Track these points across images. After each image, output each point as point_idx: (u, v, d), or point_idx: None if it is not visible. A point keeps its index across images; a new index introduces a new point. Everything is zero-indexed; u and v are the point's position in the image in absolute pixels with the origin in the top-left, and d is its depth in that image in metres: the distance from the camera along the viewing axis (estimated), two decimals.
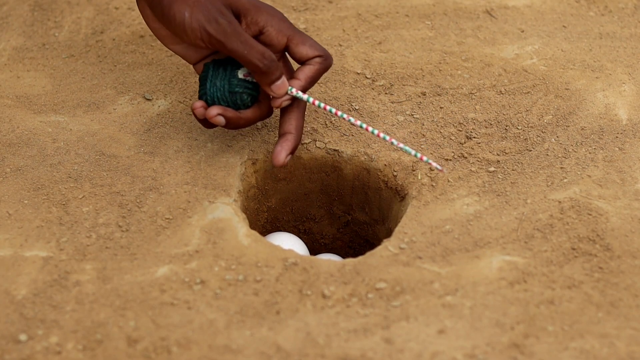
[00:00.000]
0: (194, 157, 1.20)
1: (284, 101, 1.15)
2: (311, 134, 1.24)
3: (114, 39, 1.38)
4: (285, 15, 1.41)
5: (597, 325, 1.01)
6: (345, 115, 1.15)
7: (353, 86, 1.29)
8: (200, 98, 1.16)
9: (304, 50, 1.16)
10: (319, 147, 1.23)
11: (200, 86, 1.16)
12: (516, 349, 0.99)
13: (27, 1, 1.43)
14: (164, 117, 1.26)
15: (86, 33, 1.39)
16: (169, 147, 1.22)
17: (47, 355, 0.99)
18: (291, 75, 1.17)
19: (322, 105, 1.16)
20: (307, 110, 1.26)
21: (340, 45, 1.35)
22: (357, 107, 1.26)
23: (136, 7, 1.42)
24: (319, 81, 1.29)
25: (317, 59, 1.16)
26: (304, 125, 1.22)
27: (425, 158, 1.13)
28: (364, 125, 1.15)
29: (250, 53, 1.12)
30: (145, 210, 1.14)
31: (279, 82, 1.14)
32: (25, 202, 1.15)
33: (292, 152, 1.17)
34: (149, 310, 1.03)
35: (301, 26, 1.38)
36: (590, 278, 1.06)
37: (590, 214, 1.12)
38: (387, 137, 1.14)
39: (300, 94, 1.15)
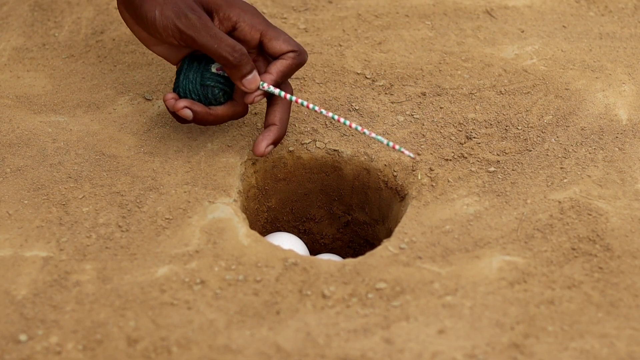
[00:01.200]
0: (194, 157, 1.20)
1: (256, 97, 1.15)
2: (311, 134, 1.24)
3: (114, 39, 1.38)
4: (285, 15, 1.41)
5: (597, 325, 1.01)
6: (317, 108, 1.16)
7: (353, 86, 1.29)
8: (174, 91, 1.17)
9: (278, 45, 1.16)
10: (319, 147, 1.23)
11: (175, 80, 1.17)
12: (516, 349, 0.99)
13: (27, 1, 1.43)
14: (164, 117, 1.25)
15: (86, 33, 1.39)
16: (169, 147, 1.21)
17: (47, 356, 0.99)
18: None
19: (294, 98, 1.16)
20: (307, 110, 1.26)
21: (340, 45, 1.35)
22: (357, 107, 1.26)
23: None
24: (318, 82, 1.29)
25: (291, 54, 1.16)
26: (304, 124, 1.22)
27: (397, 147, 1.13)
28: (336, 117, 1.15)
29: (220, 46, 1.12)
30: (145, 211, 1.14)
31: (249, 77, 1.14)
32: (25, 202, 1.15)
33: (275, 144, 1.17)
34: (149, 310, 1.03)
35: (301, 26, 1.38)
36: (590, 278, 1.06)
37: (590, 214, 1.12)
38: (359, 128, 1.14)
39: (272, 88, 1.15)
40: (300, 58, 1.16)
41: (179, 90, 1.17)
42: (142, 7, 1.13)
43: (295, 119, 1.25)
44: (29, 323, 1.02)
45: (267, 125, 1.18)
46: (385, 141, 1.14)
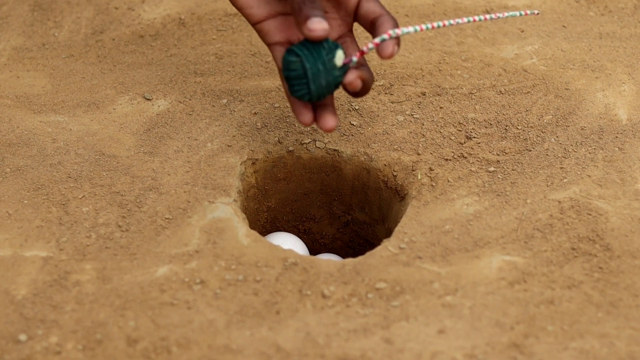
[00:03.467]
0: (194, 157, 1.20)
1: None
2: (311, 134, 1.24)
3: (113, 39, 1.38)
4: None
5: (597, 325, 1.01)
6: (428, 26, 1.06)
7: None
8: (299, 97, 1.08)
9: (372, 8, 1.09)
10: (318, 147, 1.23)
11: (294, 85, 1.07)
12: (516, 349, 0.99)
13: (26, 1, 1.43)
14: (163, 117, 1.26)
15: (86, 33, 1.39)
16: (169, 147, 1.22)
17: (46, 355, 0.99)
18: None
19: (418, 28, 1.06)
20: None
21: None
22: (357, 107, 1.26)
23: (136, 7, 1.42)
24: None
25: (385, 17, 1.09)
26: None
27: (529, 11, 1.09)
28: (441, 24, 1.07)
29: None
30: (145, 210, 1.14)
31: (315, 19, 1.05)
32: (25, 202, 1.15)
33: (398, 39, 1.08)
34: (149, 310, 1.03)
35: None
36: (590, 278, 1.06)
37: (590, 214, 1.12)
38: (482, 17, 1.08)
39: (401, 31, 1.05)
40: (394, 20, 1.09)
41: (310, 97, 1.07)
42: None
43: (295, 119, 1.25)
44: (28, 323, 1.02)
45: (376, 17, 1.08)
46: (518, 13, 1.08)
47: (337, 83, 1.08)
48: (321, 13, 1.05)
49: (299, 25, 1.06)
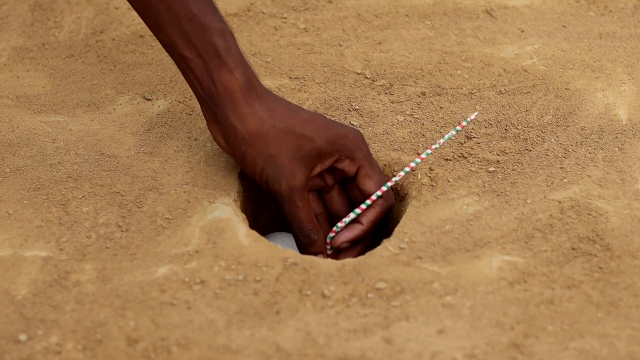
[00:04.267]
0: (194, 157, 1.20)
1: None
2: None
3: (113, 39, 1.38)
4: (285, 15, 1.41)
5: (597, 325, 1.01)
6: (417, 161, 1.16)
7: (353, 86, 1.29)
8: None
9: (369, 186, 1.15)
10: None
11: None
12: (516, 349, 0.99)
13: (27, 1, 1.43)
14: (163, 117, 1.25)
15: (86, 33, 1.39)
16: (169, 147, 1.21)
17: (46, 355, 0.99)
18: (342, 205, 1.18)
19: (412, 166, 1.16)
20: (306, 110, 1.26)
21: (340, 45, 1.35)
22: (357, 107, 1.26)
23: None
24: (318, 82, 1.29)
25: (379, 201, 1.15)
26: None
27: (464, 123, 1.14)
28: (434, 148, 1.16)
29: (294, 222, 1.14)
30: (145, 210, 1.14)
31: (315, 258, 1.14)
32: (25, 202, 1.15)
33: (351, 241, 1.17)
34: (149, 310, 1.03)
35: (301, 26, 1.38)
36: (590, 278, 1.06)
37: (590, 214, 1.11)
38: (438, 144, 1.16)
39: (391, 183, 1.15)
40: (387, 204, 1.16)
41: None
42: (245, 157, 1.12)
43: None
44: (28, 323, 1.02)
45: (355, 220, 1.16)
46: (456, 131, 1.14)
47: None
48: (320, 250, 1.16)
49: (301, 251, 1.16)
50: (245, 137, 1.11)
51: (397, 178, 1.15)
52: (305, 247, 1.15)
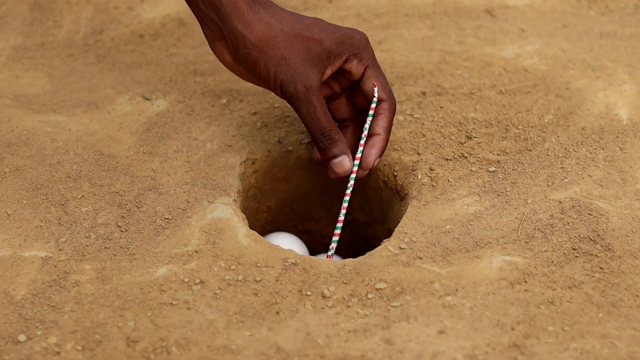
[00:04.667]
0: (194, 157, 1.20)
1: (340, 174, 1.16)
2: None
3: (113, 39, 1.38)
4: None
5: (598, 325, 1.01)
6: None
7: None
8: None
9: (371, 87, 1.15)
10: None
11: None
12: (516, 349, 0.99)
13: (26, 1, 1.43)
14: (163, 117, 1.25)
15: (85, 33, 1.39)
16: (169, 147, 1.21)
17: (46, 356, 0.99)
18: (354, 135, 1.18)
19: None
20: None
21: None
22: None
23: (136, 7, 1.42)
24: None
25: (385, 105, 1.16)
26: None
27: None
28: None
29: (312, 124, 1.13)
30: (145, 210, 1.14)
31: (336, 160, 1.14)
32: (24, 202, 1.15)
33: (381, 155, 1.17)
34: (148, 311, 1.03)
35: None
36: (591, 278, 1.05)
37: (590, 214, 1.11)
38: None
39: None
40: (392, 106, 1.16)
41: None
42: (256, 64, 1.12)
43: (295, 119, 1.25)
44: (27, 323, 1.02)
45: (371, 134, 1.16)
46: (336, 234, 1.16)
47: None
48: (343, 150, 1.15)
49: (322, 158, 1.16)
50: (254, 42, 1.11)
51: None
52: (326, 149, 1.14)
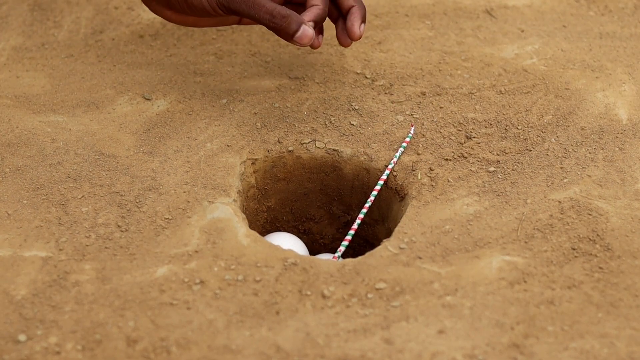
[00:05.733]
0: (194, 157, 1.20)
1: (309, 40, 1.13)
2: (311, 133, 1.24)
3: (113, 39, 1.38)
4: None
5: (597, 325, 1.01)
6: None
7: (353, 86, 1.29)
8: None
9: None
10: (318, 147, 1.23)
11: None
12: (516, 349, 0.99)
13: (26, 1, 1.43)
14: (163, 117, 1.25)
15: (85, 33, 1.39)
16: (169, 147, 1.21)
17: (46, 356, 0.99)
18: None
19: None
20: (307, 110, 1.26)
21: (340, 45, 1.35)
22: (356, 107, 1.26)
23: (136, 7, 1.42)
24: (318, 82, 1.29)
25: (353, 9, 1.15)
26: (303, 124, 1.22)
27: (407, 138, 1.17)
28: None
29: (259, 14, 1.10)
30: (145, 211, 1.14)
31: (299, 34, 1.12)
32: (25, 202, 1.15)
33: (364, 21, 1.15)
34: (148, 311, 1.03)
35: None
36: (591, 278, 1.05)
37: (590, 214, 1.11)
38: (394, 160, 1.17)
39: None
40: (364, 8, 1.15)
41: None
42: None
43: (295, 119, 1.25)
44: (28, 323, 1.02)
45: (346, 10, 1.15)
46: (402, 149, 1.16)
47: None
48: (298, 21, 1.12)
49: (286, 39, 1.12)
50: None
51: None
52: (284, 28, 1.11)
